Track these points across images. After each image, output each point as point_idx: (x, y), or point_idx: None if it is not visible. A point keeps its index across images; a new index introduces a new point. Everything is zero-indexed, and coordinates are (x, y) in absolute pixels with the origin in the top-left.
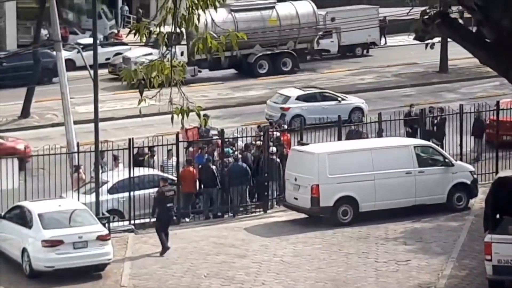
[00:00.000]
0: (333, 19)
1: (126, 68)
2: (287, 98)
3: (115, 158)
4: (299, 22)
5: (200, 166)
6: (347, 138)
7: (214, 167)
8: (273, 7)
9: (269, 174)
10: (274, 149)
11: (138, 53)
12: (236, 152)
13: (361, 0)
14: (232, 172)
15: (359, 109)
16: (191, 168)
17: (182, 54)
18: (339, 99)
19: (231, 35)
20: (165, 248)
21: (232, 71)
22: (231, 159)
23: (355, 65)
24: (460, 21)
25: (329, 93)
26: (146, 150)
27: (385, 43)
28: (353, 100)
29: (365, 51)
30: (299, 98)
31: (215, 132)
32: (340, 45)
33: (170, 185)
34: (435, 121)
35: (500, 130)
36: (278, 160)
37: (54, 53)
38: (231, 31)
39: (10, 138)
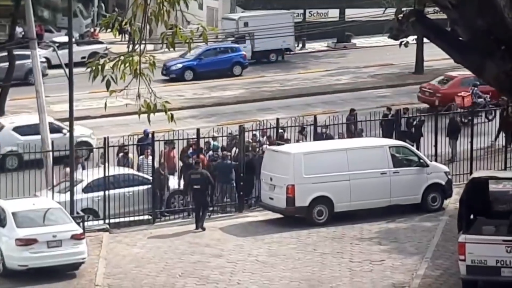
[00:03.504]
0: (246, 24)
1: (93, 62)
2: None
3: (101, 156)
4: None
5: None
6: (315, 140)
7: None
8: None
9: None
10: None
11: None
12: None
13: (340, 2)
14: (218, 170)
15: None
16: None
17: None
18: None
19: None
20: (196, 227)
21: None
22: (218, 153)
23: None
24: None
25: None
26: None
27: (304, 47)
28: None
29: (279, 57)
30: (16, 130)
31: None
32: (253, 51)
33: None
34: (414, 122)
35: None
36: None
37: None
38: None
39: None
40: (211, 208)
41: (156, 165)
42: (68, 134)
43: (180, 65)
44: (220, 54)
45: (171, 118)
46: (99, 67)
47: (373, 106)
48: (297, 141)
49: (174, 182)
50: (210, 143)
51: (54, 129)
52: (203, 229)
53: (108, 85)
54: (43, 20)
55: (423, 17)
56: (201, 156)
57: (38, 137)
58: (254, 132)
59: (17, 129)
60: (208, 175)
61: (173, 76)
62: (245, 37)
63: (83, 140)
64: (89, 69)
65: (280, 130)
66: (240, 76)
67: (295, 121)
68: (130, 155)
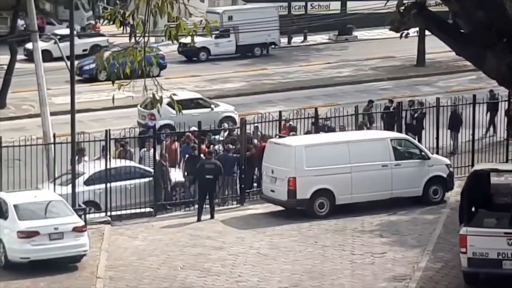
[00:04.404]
0: (230, 18)
1: (98, 55)
2: None
3: (103, 149)
4: None
5: (187, 156)
6: (316, 133)
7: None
8: None
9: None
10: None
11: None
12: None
13: None
14: (220, 162)
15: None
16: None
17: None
18: (213, 106)
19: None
20: (198, 219)
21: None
22: (218, 147)
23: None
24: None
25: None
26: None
27: (305, 39)
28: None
29: (264, 51)
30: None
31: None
32: (238, 45)
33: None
34: (416, 115)
35: None
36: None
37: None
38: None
39: None
40: (216, 200)
41: (158, 157)
42: (215, 110)
43: (93, 65)
44: None
45: (179, 110)
46: (105, 62)
47: (375, 99)
48: (307, 132)
49: (175, 175)
50: (211, 136)
51: (202, 105)
52: (213, 217)
53: (113, 78)
54: (45, 13)
55: (424, 10)
56: (202, 146)
57: (191, 111)
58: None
59: (171, 104)
60: (220, 166)
61: (86, 76)
62: (229, 31)
63: (227, 115)
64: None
65: (289, 123)
66: (158, 77)
67: (297, 113)
68: (130, 148)
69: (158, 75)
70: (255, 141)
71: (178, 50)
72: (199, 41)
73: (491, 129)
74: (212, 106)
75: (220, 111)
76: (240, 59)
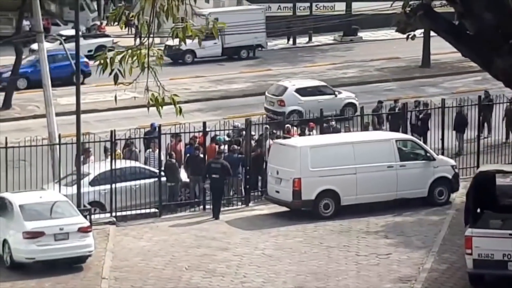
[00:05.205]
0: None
1: (101, 55)
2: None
3: (106, 150)
4: None
5: (188, 155)
6: (321, 134)
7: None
8: None
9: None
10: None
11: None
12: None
13: None
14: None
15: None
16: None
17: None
18: (336, 93)
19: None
20: (214, 216)
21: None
22: (224, 147)
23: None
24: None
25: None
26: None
27: (310, 40)
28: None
29: (251, 54)
30: (298, 91)
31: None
32: (224, 47)
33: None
34: (420, 116)
35: None
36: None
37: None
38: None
39: None
40: (222, 201)
41: (163, 158)
42: (338, 96)
43: (7, 74)
44: (58, 61)
45: (180, 111)
46: (108, 60)
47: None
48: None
49: (184, 175)
50: (216, 136)
51: (326, 92)
52: (217, 218)
53: (116, 78)
54: (50, 14)
55: (430, 11)
56: (210, 146)
57: (316, 98)
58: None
59: (298, 91)
60: (228, 166)
61: (5, 84)
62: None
63: (349, 101)
64: (97, 63)
65: (287, 125)
66: (83, 84)
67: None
68: (135, 149)
69: (83, 83)
70: (268, 141)
71: (164, 53)
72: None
73: (485, 130)
74: (336, 93)
75: (343, 98)
76: (242, 60)
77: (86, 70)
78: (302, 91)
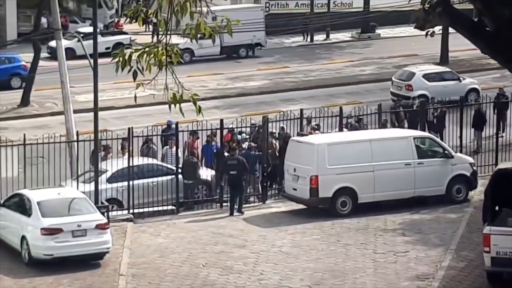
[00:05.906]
0: (214, 19)
1: (119, 52)
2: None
3: (123, 147)
4: None
5: (214, 151)
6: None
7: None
8: None
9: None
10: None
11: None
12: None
13: None
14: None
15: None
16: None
17: None
18: (460, 79)
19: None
20: (231, 213)
21: (231, 61)
22: (245, 145)
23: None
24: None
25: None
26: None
27: (328, 37)
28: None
29: (250, 52)
30: (425, 77)
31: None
32: (222, 46)
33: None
34: (436, 113)
35: None
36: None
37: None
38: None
39: None
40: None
41: (180, 155)
42: (462, 82)
43: None
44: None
45: (199, 110)
46: (126, 58)
47: None
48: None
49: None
50: (237, 135)
51: (451, 78)
52: (242, 213)
53: (135, 76)
54: (68, 11)
55: (449, 7)
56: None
57: (443, 83)
58: (282, 125)
59: (426, 76)
60: (244, 161)
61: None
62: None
63: (473, 87)
64: (115, 60)
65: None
66: (19, 89)
67: (319, 112)
68: (154, 145)
69: (20, 87)
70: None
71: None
72: (182, 42)
73: (500, 127)
74: (461, 78)
75: (467, 83)
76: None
77: (24, 73)
78: (429, 76)
